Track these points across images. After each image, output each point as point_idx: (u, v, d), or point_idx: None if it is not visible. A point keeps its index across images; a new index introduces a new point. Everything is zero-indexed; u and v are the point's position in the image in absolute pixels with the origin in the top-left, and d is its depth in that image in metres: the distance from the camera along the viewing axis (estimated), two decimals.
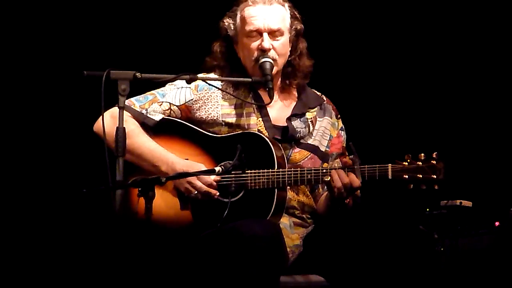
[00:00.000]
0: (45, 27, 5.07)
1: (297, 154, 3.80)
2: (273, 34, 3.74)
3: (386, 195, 4.89)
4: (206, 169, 3.61)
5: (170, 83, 3.81)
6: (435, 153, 3.58)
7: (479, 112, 5.21)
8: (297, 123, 3.82)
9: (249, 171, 3.60)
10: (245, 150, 3.37)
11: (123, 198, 3.12)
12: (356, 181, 3.56)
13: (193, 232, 3.61)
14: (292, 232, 3.72)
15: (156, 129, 3.77)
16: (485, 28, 5.19)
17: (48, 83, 5.08)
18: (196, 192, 3.62)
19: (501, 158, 5.12)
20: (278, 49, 3.74)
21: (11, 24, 5.05)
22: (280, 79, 3.85)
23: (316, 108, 3.90)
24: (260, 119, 3.79)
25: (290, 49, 3.81)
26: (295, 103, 3.87)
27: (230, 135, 3.73)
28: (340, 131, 3.93)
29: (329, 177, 3.58)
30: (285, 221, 3.71)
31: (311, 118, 3.86)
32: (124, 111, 3.19)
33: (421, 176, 3.56)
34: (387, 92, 5.28)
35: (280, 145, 3.71)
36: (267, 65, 3.69)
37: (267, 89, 3.65)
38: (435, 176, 3.56)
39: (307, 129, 3.83)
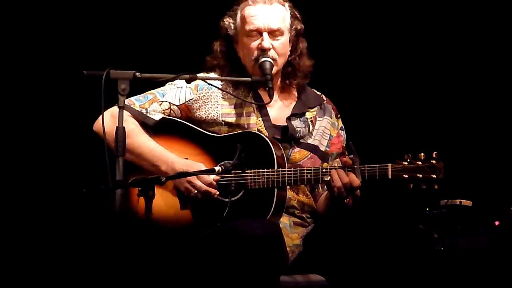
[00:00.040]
0: (45, 27, 5.08)
1: (297, 153, 3.80)
2: (273, 33, 3.74)
3: (386, 195, 4.89)
4: (206, 168, 3.61)
5: (170, 83, 3.81)
6: (435, 152, 3.57)
7: (479, 111, 5.21)
8: (297, 123, 3.82)
9: (248, 171, 3.60)
10: (245, 150, 3.37)
11: (123, 198, 3.12)
12: (356, 180, 3.56)
13: (193, 231, 3.61)
14: (292, 232, 3.72)
15: (156, 128, 3.77)
16: (485, 28, 5.19)
17: (48, 82, 5.08)
18: (196, 191, 3.62)
19: (501, 158, 5.12)
20: (278, 49, 3.74)
21: (11, 24, 5.05)
22: (280, 78, 3.85)
23: (316, 108, 3.90)
24: (260, 118, 3.79)
25: (290, 49, 3.81)
26: (295, 102, 3.87)
27: (230, 134, 3.73)
28: (340, 130, 3.93)
29: (329, 177, 3.58)
30: (285, 220, 3.71)
31: (311, 117, 3.86)
32: (124, 111, 3.19)
33: (421, 175, 3.56)
34: (387, 92, 5.28)
35: (280, 144, 3.71)
36: (267, 65, 3.69)
37: (267, 88, 3.65)
38: (435, 176, 3.56)
39: (307, 128, 3.83)
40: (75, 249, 4.98)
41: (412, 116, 5.23)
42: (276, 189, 3.60)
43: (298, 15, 3.84)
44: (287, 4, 3.81)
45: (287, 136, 3.78)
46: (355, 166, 3.57)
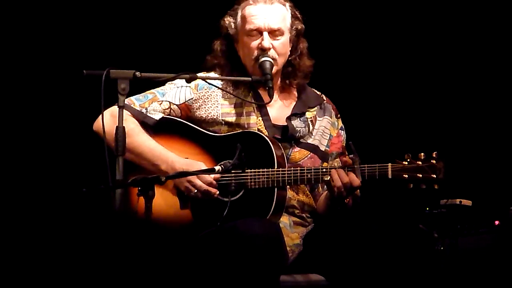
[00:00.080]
0: (45, 27, 5.07)
1: (297, 153, 3.80)
2: (273, 33, 3.74)
3: (386, 195, 4.89)
4: (206, 168, 3.61)
5: (170, 82, 3.81)
6: (435, 152, 3.57)
7: (479, 111, 5.21)
8: (297, 123, 3.82)
9: (249, 170, 3.60)
10: (245, 149, 3.37)
11: (123, 197, 3.12)
12: (356, 180, 3.56)
13: (193, 231, 3.60)
14: (292, 231, 3.72)
15: (156, 128, 3.77)
16: (485, 28, 5.19)
17: (48, 82, 5.08)
18: (196, 191, 3.62)
19: (501, 157, 5.12)
20: (278, 49, 3.74)
21: (11, 24, 5.05)
22: (280, 78, 3.85)
23: (316, 108, 3.90)
24: (260, 118, 3.79)
25: (290, 48, 3.81)
26: (295, 102, 3.87)
27: (230, 134, 3.73)
28: (340, 130, 3.93)
29: (329, 177, 3.58)
30: (285, 220, 3.71)
31: (311, 117, 3.86)
32: (124, 110, 3.19)
33: (421, 175, 3.56)
34: (387, 92, 5.28)
35: (280, 144, 3.71)
36: (267, 64, 3.69)
37: (267, 88, 3.65)
38: (435, 176, 3.56)
39: (307, 128, 3.83)
40: (75, 248, 4.98)
41: (412, 116, 5.23)
42: (276, 189, 3.60)
43: (298, 15, 3.84)
44: (287, 4, 3.81)
45: (287, 135, 3.78)
46: (355, 166, 3.57)
